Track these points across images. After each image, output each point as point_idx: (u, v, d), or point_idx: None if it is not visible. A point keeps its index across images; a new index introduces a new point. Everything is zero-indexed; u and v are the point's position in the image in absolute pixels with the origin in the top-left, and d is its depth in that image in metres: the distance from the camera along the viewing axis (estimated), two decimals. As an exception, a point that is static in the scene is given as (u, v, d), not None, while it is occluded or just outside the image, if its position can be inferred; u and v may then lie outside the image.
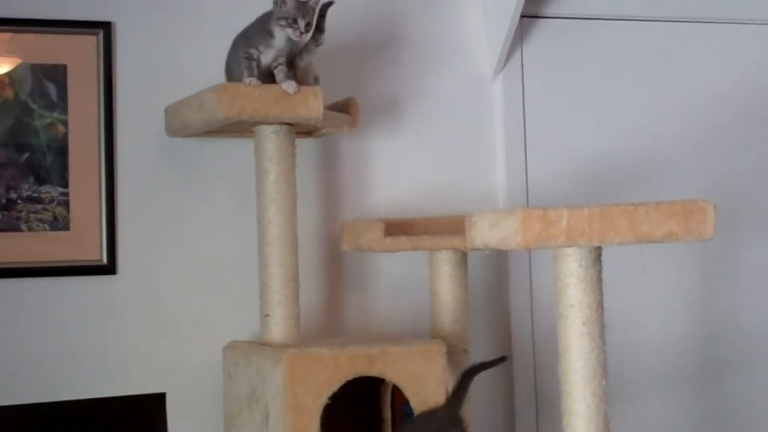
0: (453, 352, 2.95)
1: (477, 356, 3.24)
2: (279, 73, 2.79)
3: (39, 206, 2.96)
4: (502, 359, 2.91)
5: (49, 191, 2.97)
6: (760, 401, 3.72)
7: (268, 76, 2.79)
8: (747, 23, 3.77)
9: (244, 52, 2.78)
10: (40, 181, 2.96)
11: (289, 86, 2.76)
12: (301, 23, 2.74)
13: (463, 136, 3.42)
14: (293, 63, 2.84)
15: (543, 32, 3.55)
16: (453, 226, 3.10)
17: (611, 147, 3.59)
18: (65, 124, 2.99)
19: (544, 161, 3.51)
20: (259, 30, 2.81)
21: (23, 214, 2.95)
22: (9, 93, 2.95)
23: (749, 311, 3.73)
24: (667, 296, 3.64)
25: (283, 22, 2.75)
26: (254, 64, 2.78)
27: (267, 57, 2.79)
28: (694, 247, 3.46)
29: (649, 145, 3.64)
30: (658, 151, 3.65)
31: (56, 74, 2.99)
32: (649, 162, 3.63)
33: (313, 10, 2.78)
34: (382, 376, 2.74)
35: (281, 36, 2.77)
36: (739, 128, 3.76)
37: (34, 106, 2.97)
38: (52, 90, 2.98)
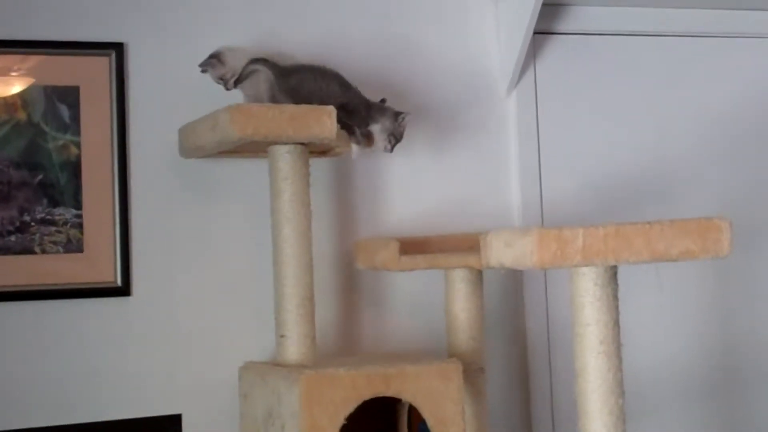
0: (469, 371, 2.94)
1: (493, 374, 3.24)
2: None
3: (52, 228, 2.96)
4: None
5: (63, 213, 2.97)
6: (779, 416, 3.71)
7: None
8: (761, 37, 3.76)
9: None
10: (54, 203, 2.96)
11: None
12: (396, 144, 3.00)
13: (476, 154, 3.41)
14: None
15: (556, 49, 3.54)
16: (468, 244, 3.10)
17: (625, 162, 3.59)
18: (78, 145, 2.99)
19: (559, 177, 3.50)
20: (360, 120, 2.97)
21: (37, 237, 2.94)
22: (22, 115, 2.96)
23: (767, 326, 3.71)
24: (684, 312, 3.63)
25: (393, 139, 2.98)
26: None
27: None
28: (711, 263, 3.44)
29: (663, 160, 3.63)
30: (672, 166, 3.64)
31: (69, 96, 2.99)
32: (663, 177, 3.62)
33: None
34: (398, 396, 2.73)
35: (380, 143, 2.99)
36: (754, 142, 3.75)
37: (46, 128, 2.97)
38: (64, 112, 2.98)
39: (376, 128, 2.97)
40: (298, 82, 2.91)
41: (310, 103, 2.83)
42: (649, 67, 3.65)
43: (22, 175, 2.94)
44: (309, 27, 3.24)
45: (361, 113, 2.96)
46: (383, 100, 3.03)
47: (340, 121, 2.84)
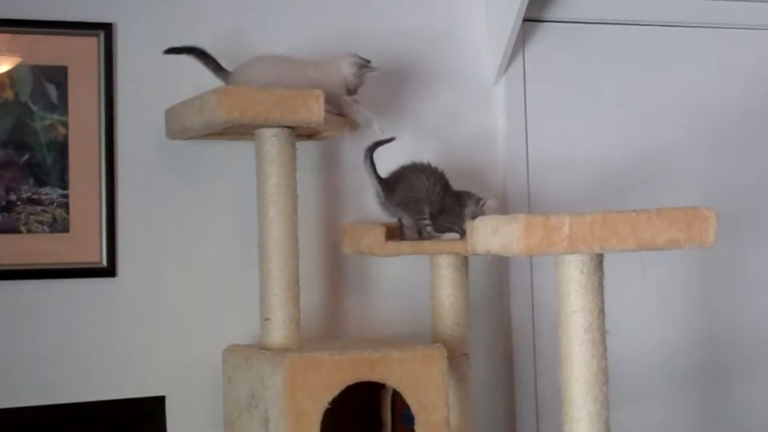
0: (454, 357, 2.94)
1: (478, 360, 3.24)
2: None
3: (39, 208, 2.95)
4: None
5: (49, 193, 2.96)
6: (762, 406, 3.71)
7: None
8: (749, 28, 3.76)
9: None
10: (40, 182, 2.95)
11: None
12: None
13: (464, 141, 3.41)
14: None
15: (545, 36, 3.54)
16: (454, 230, 3.10)
17: (614, 151, 3.59)
18: (65, 125, 2.98)
19: (546, 166, 3.50)
20: (455, 218, 3.04)
21: (23, 216, 2.93)
22: (9, 94, 2.94)
23: (751, 316, 3.72)
24: (669, 301, 3.64)
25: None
26: None
27: None
28: (696, 252, 3.45)
29: (652, 150, 3.63)
30: (661, 155, 3.64)
31: (57, 75, 2.98)
32: (652, 166, 3.62)
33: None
34: (382, 381, 2.73)
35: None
36: (742, 133, 3.75)
37: (34, 108, 2.96)
38: (52, 91, 2.97)
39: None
40: (402, 193, 2.99)
41: (418, 206, 2.96)
42: (638, 55, 3.65)
43: (9, 154, 2.93)
44: (296, 7, 3.23)
45: (456, 211, 3.01)
46: None
47: (438, 226, 2.97)
